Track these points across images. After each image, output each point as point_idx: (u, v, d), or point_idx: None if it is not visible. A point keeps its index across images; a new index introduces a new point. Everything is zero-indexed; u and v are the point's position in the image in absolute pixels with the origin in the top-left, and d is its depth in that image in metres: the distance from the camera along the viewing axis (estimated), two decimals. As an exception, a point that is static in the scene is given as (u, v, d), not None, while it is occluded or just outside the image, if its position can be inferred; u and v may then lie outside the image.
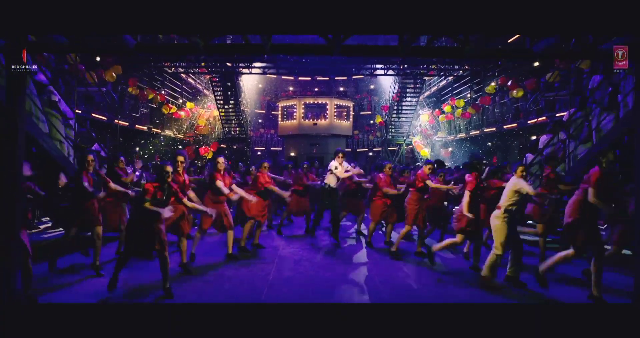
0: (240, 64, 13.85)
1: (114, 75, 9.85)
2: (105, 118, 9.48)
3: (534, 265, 4.77)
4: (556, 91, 8.42)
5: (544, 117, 9.64)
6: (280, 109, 21.24)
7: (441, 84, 17.14)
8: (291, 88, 24.87)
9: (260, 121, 24.20)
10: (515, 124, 10.98)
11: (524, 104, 10.77)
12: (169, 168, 3.77)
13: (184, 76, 16.46)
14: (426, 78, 15.63)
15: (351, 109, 21.23)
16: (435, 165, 5.84)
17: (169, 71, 14.57)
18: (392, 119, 16.73)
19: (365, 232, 6.98)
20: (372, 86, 24.73)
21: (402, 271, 5.04)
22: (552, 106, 9.49)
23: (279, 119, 21.31)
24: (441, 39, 16.10)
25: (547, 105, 9.51)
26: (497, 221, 4.21)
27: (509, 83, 11.08)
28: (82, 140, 6.26)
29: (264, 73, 14.76)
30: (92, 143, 6.45)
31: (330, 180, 6.42)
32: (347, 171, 6.37)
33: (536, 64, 11.72)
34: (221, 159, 5.16)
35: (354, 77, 25.76)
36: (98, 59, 9.54)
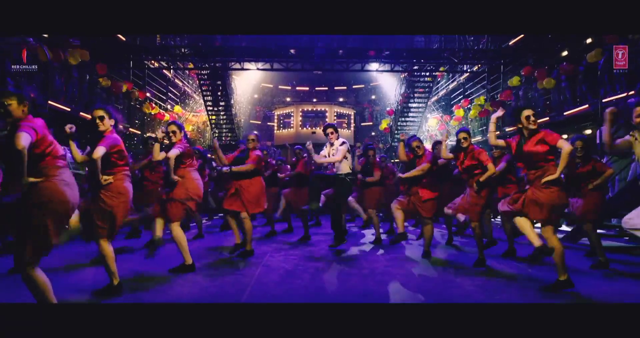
0: (232, 58, 12.46)
1: (79, 58, 8.41)
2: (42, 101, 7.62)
3: None
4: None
5: (586, 106, 8.15)
6: (276, 117, 19.80)
7: (450, 86, 15.81)
8: (288, 98, 23.58)
9: (255, 132, 22.73)
10: (547, 119, 9.48)
11: (556, 95, 9.34)
12: None
13: (169, 75, 15.07)
14: (437, 74, 14.23)
15: (352, 117, 19.83)
16: None
17: (151, 66, 13.13)
18: (398, 124, 15.27)
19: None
20: (373, 96, 23.50)
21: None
22: (595, 91, 8.02)
23: (275, 128, 19.84)
24: (452, 41, 15.01)
25: (591, 89, 8.04)
26: None
27: (536, 73, 9.70)
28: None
29: (257, 69, 13.37)
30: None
31: (344, 167, 4.75)
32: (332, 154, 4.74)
33: (565, 53, 10.43)
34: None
35: (354, 86, 24.67)
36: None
